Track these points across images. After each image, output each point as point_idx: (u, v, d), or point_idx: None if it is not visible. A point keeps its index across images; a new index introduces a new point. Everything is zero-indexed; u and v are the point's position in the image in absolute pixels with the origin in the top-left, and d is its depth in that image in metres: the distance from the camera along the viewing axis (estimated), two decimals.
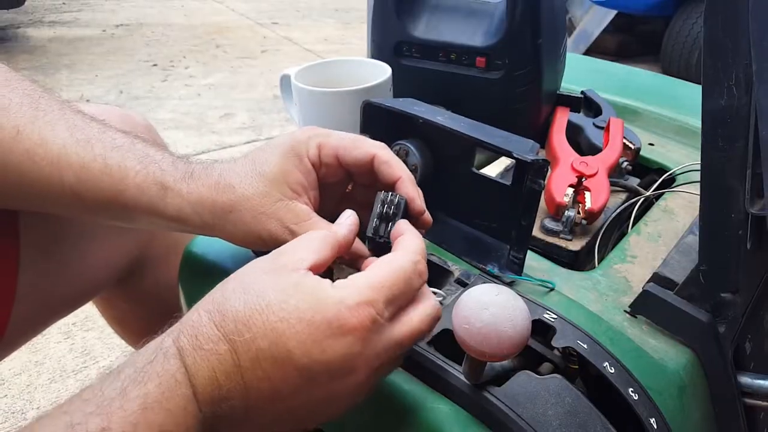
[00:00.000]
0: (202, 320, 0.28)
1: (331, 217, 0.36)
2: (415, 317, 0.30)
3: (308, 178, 0.37)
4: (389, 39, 0.62)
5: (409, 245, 0.32)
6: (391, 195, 0.35)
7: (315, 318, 0.27)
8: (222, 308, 0.28)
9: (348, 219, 0.34)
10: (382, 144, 0.38)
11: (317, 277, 0.29)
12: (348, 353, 0.27)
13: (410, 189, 0.36)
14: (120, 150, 0.36)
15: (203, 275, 0.46)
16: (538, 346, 0.37)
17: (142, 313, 0.66)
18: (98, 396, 0.25)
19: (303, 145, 0.37)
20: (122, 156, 0.36)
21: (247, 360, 0.27)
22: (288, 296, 0.28)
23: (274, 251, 0.31)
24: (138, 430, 0.24)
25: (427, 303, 0.31)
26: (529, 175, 0.38)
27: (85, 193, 0.36)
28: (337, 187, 0.40)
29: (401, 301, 0.30)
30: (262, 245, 0.36)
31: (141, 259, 0.58)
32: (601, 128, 0.60)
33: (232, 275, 0.30)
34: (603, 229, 0.50)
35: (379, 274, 0.29)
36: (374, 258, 0.33)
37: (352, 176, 0.40)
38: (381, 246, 0.35)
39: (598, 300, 0.41)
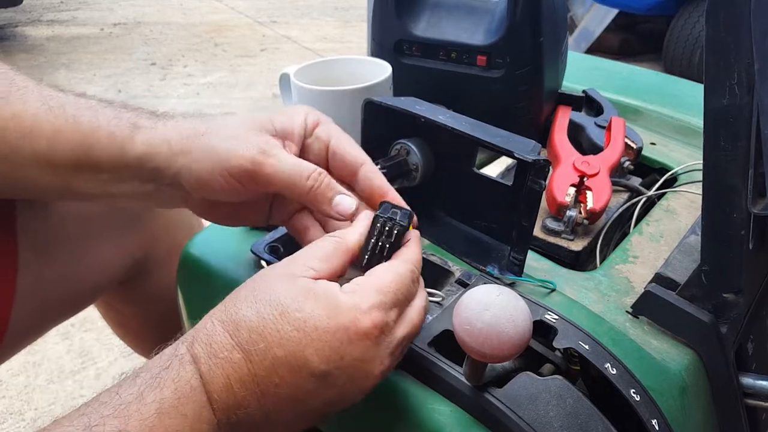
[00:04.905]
0: (216, 329, 0.28)
1: None
2: (412, 313, 0.31)
3: (293, 130, 0.36)
4: (389, 37, 0.61)
5: (409, 256, 0.33)
6: (390, 222, 0.33)
7: (330, 325, 0.28)
8: (235, 317, 0.28)
9: (361, 226, 0.33)
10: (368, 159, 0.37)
11: (328, 282, 0.30)
12: (364, 357, 0.28)
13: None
14: (93, 109, 0.36)
15: (201, 277, 0.46)
16: (539, 346, 0.37)
17: (144, 316, 0.66)
18: (115, 399, 0.25)
19: (300, 109, 0.37)
20: (95, 113, 0.35)
21: (263, 368, 0.27)
22: (301, 304, 0.28)
23: (286, 258, 0.31)
24: None
25: (419, 297, 0.32)
26: (530, 175, 0.38)
27: (55, 157, 0.35)
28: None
29: (403, 304, 0.31)
30: (226, 181, 0.34)
31: (142, 262, 0.58)
32: (603, 127, 0.59)
33: (245, 283, 0.30)
34: (605, 229, 0.50)
35: (384, 279, 0.30)
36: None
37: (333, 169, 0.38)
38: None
39: (599, 300, 0.40)
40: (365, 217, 0.34)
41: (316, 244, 0.32)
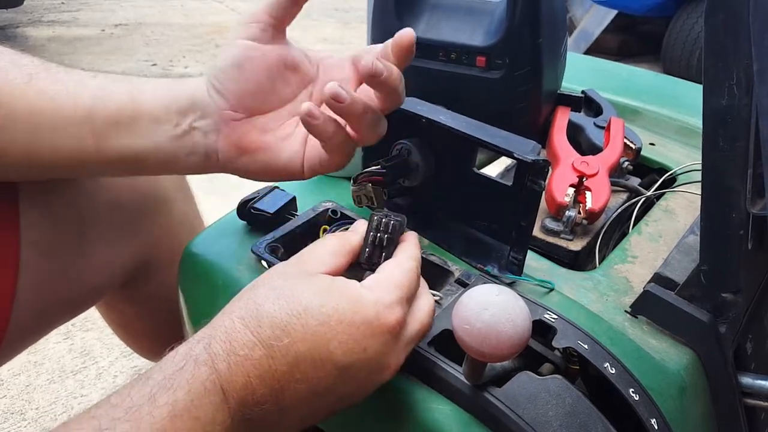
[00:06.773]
0: (236, 326, 0.28)
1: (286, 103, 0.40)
2: (421, 312, 0.32)
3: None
4: (389, 38, 0.61)
5: (412, 252, 0.34)
6: (385, 218, 0.35)
7: (355, 318, 0.29)
8: (257, 314, 0.28)
9: (360, 227, 0.35)
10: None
11: (346, 279, 0.31)
12: (384, 350, 0.29)
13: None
14: (129, 77, 0.39)
15: (202, 277, 0.46)
16: (538, 346, 0.37)
17: (146, 316, 0.66)
18: (126, 401, 0.25)
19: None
20: (131, 80, 0.39)
21: (284, 364, 0.27)
22: (325, 299, 0.29)
23: (293, 257, 0.33)
24: None
25: (426, 298, 0.33)
26: (530, 176, 0.38)
27: (97, 111, 0.37)
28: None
29: (412, 300, 0.32)
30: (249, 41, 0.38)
31: (144, 265, 0.58)
32: (602, 128, 0.59)
33: (256, 281, 0.31)
34: (604, 229, 0.50)
35: (397, 275, 0.32)
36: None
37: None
38: (364, 270, 0.34)
39: (598, 300, 0.40)
40: (360, 221, 0.36)
41: (321, 243, 0.33)
